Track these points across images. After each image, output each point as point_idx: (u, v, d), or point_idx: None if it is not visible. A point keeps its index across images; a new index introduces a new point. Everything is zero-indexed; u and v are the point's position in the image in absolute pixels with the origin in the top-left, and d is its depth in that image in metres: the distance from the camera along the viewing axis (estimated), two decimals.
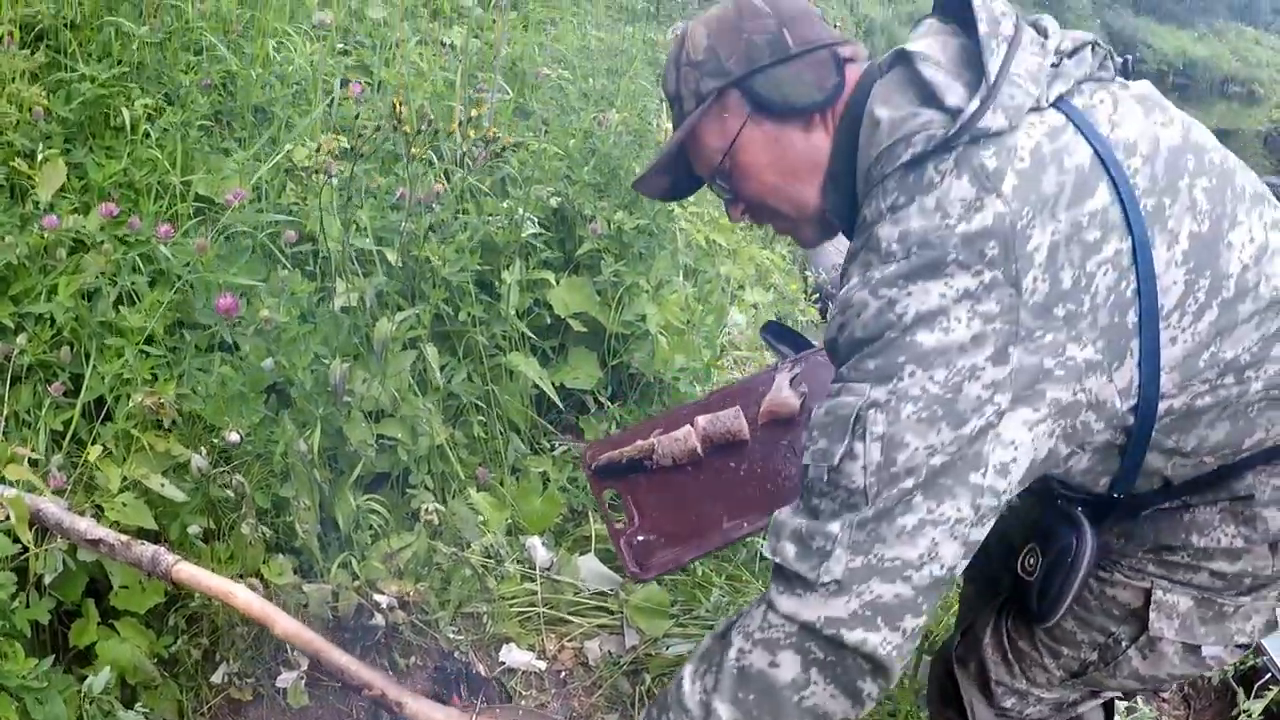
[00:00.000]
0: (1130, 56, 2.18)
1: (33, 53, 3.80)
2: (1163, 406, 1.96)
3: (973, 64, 1.96)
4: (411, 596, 3.39)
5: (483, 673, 3.41)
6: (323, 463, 3.30)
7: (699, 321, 4.78)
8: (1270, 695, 4.34)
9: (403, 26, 5.57)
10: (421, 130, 3.57)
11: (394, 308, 3.64)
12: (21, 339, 3.09)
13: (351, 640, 3.18)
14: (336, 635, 3.13)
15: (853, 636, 1.86)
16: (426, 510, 3.48)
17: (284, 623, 2.51)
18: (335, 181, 3.46)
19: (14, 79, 3.59)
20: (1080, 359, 1.85)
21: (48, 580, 2.77)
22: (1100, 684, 2.39)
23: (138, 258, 3.31)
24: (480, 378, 3.99)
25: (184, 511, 3.03)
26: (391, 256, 3.61)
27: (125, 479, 2.93)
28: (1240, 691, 4.60)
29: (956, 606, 3.25)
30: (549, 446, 4.37)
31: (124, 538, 2.65)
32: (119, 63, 3.98)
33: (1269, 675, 4.56)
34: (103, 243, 3.23)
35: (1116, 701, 3.70)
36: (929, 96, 1.95)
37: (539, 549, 3.76)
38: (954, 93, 1.92)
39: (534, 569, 3.71)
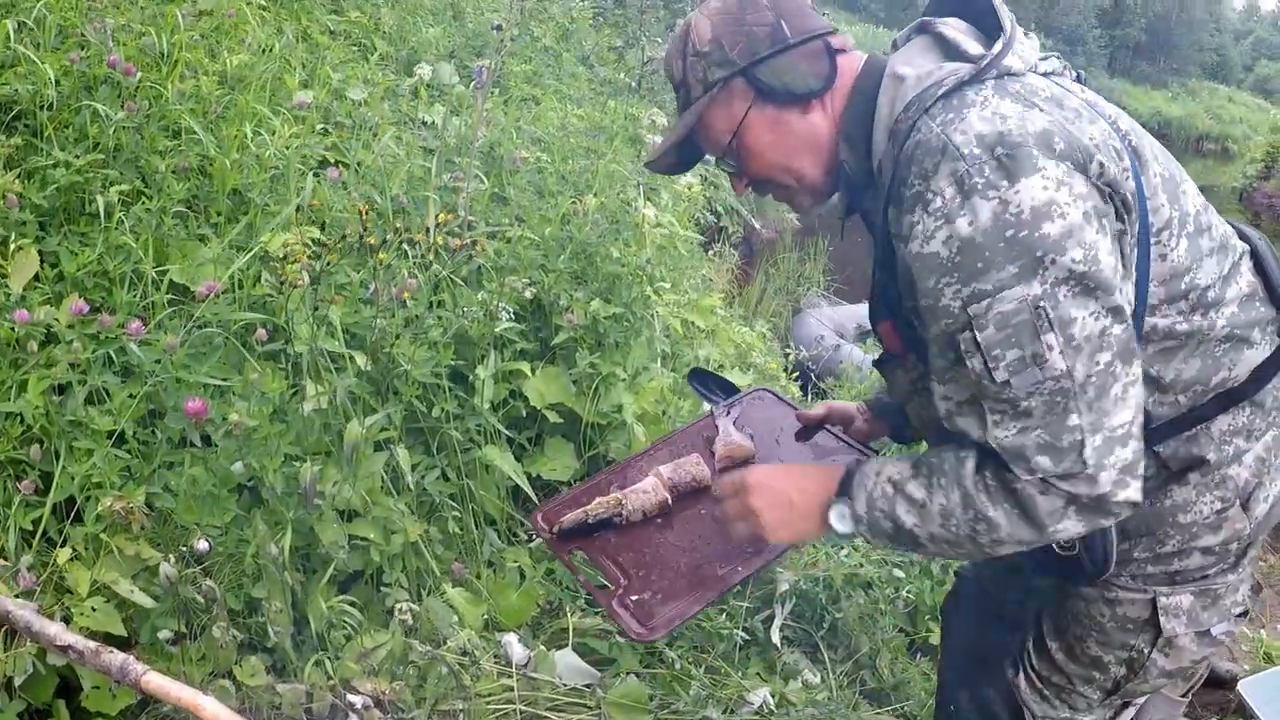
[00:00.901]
0: (1082, 73, 2.45)
1: (9, 135, 3.79)
2: (1148, 323, 2.18)
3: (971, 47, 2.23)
4: (387, 695, 3.36)
5: None
6: (295, 563, 3.27)
7: (678, 406, 4.77)
8: None
9: (382, 107, 5.58)
10: (388, 238, 3.56)
11: (366, 407, 3.62)
12: None
13: None
14: None
15: (1117, 499, 2.07)
16: (400, 609, 3.45)
17: None
18: (307, 277, 3.44)
19: None
20: (1130, 239, 2.11)
21: (18, 682, 2.75)
22: (1134, 693, 2.62)
23: (110, 353, 3.29)
24: (455, 472, 3.96)
25: (154, 615, 3.00)
26: (361, 360, 3.59)
27: (95, 583, 2.91)
28: None
29: None
30: (525, 539, 4.34)
31: (93, 645, 2.62)
32: (95, 146, 3.98)
33: None
34: (72, 341, 3.20)
35: None
36: (951, 52, 2.23)
37: (515, 646, 3.72)
38: (973, 46, 2.21)
39: (510, 666, 3.67)
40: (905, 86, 2.21)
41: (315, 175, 4.41)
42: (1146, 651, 2.48)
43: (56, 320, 3.27)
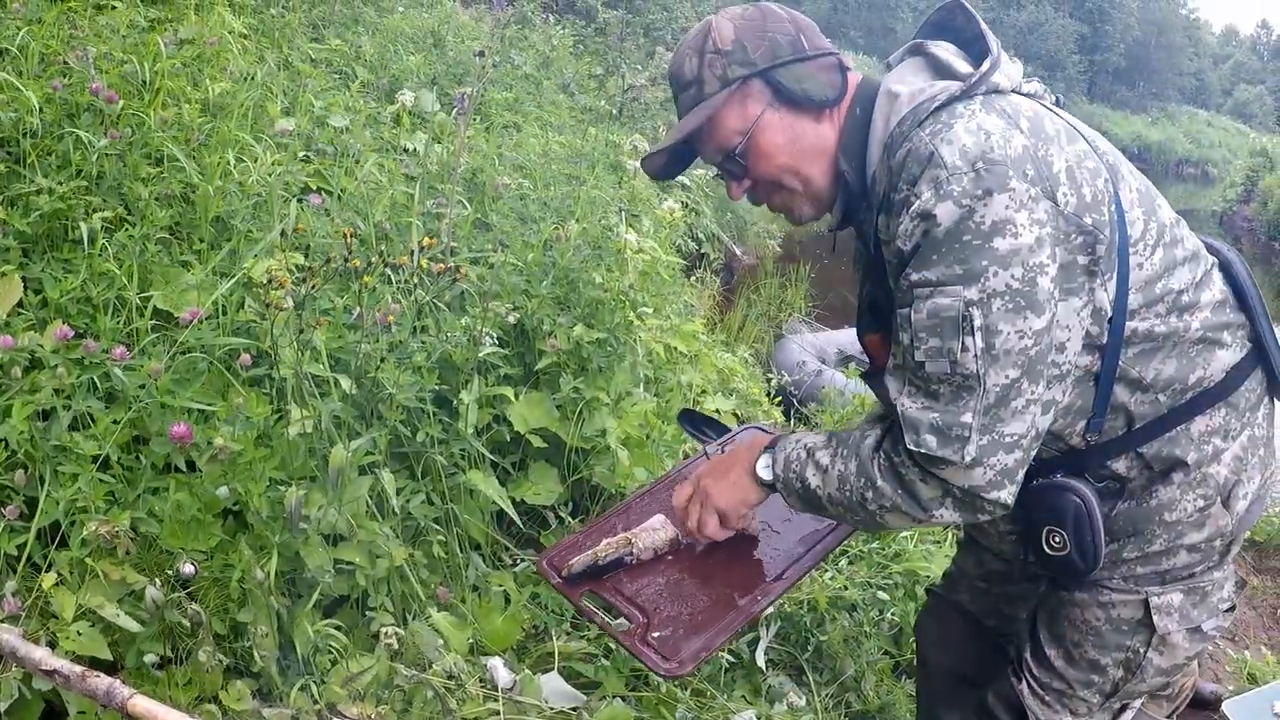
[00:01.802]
0: (1061, 97, 2.62)
1: None
2: (1129, 327, 2.34)
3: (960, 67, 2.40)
4: (373, 719, 3.35)
5: None
6: (280, 588, 3.26)
7: (662, 431, 4.78)
8: None
9: (364, 134, 5.59)
10: (372, 261, 3.56)
11: (350, 431, 3.62)
12: None
13: None
14: None
15: (989, 496, 2.30)
16: (386, 633, 3.45)
17: None
18: (291, 303, 3.44)
19: None
20: (1100, 255, 2.26)
21: (3, 708, 2.73)
22: (1132, 694, 2.73)
23: (94, 379, 3.29)
24: (440, 496, 3.96)
25: (140, 639, 2.99)
26: (346, 384, 3.59)
27: (80, 607, 2.90)
28: None
29: None
30: (510, 563, 4.34)
31: (79, 669, 2.62)
32: (78, 173, 3.97)
33: None
34: (57, 366, 3.20)
35: None
36: (943, 71, 2.40)
37: (500, 670, 3.72)
38: (963, 66, 2.39)
39: (496, 689, 3.67)
40: (899, 103, 2.37)
41: (298, 202, 4.41)
42: (1142, 651, 2.59)
43: (40, 346, 3.26)
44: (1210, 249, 2.60)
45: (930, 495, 2.35)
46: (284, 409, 3.54)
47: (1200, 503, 2.47)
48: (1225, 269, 2.57)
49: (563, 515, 4.45)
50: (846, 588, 4.63)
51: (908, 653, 4.59)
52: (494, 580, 4.10)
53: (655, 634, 2.75)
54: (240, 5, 6.35)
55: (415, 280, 3.95)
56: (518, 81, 9.51)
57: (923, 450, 2.29)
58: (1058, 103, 2.55)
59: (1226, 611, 2.63)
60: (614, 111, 11.24)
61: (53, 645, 2.82)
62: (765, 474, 2.69)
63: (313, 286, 3.37)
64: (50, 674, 2.63)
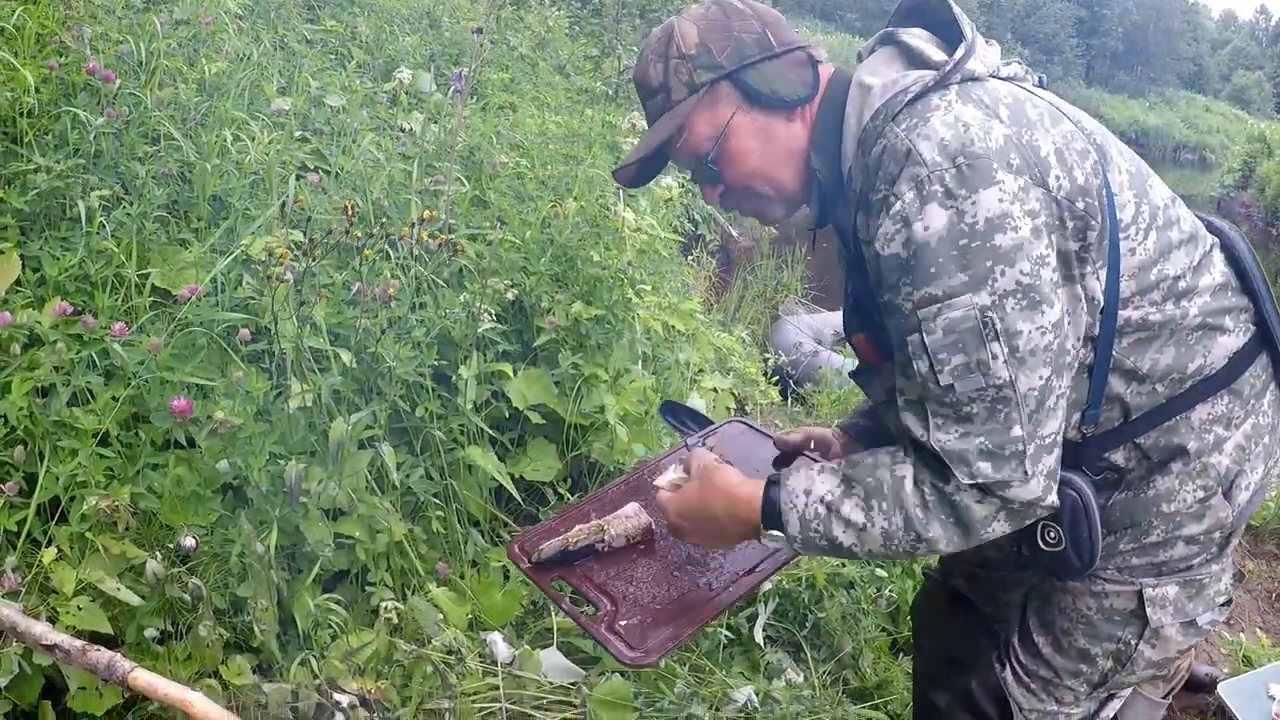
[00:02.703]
0: (1043, 77, 2.49)
1: None
2: (1122, 316, 2.23)
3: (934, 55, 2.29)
4: (372, 694, 3.35)
5: None
6: (280, 562, 3.26)
7: (656, 411, 4.78)
8: None
9: (361, 114, 5.59)
10: (373, 233, 3.57)
11: (350, 405, 3.62)
12: None
13: None
14: None
15: (1045, 503, 2.19)
16: (386, 608, 3.45)
17: None
18: (291, 277, 3.44)
19: None
20: (1089, 244, 2.15)
21: (3, 683, 2.73)
22: (1120, 685, 2.63)
23: (93, 355, 3.29)
24: (439, 472, 3.97)
25: (140, 614, 2.99)
26: (346, 358, 3.59)
27: (80, 582, 2.90)
28: None
29: None
30: (508, 539, 4.34)
31: (79, 643, 2.59)
32: (76, 152, 3.97)
33: None
34: (56, 342, 3.20)
35: None
36: (915, 60, 2.29)
37: (500, 644, 3.72)
38: (936, 54, 2.27)
39: (495, 664, 3.68)
40: (872, 95, 2.25)
41: (297, 179, 4.41)
42: (1134, 643, 2.51)
43: (39, 323, 3.27)
44: (1211, 228, 2.49)
45: (984, 514, 2.20)
46: (283, 385, 3.54)
47: (1200, 493, 2.37)
48: (1227, 249, 2.46)
49: (561, 491, 4.46)
50: (844, 565, 4.63)
51: (905, 630, 4.59)
52: (492, 556, 4.12)
53: (622, 622, 2.69)
54: None
55: (414, 255, 3.95)
56: (514, 62, 9.49)
57: (980, 480, 2.14)
58: (1040, 83, 2.45)
59: (1223, 605, 2.54)
60: (609, 92, 11.24)
61: (53, 620, 2.81)
62: (783, 545, 2.45)
63: (314, 259, 3.37)
64: (51, 649, 2.61)
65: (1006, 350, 2.06)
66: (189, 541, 2.98)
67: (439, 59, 8.43)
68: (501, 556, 4.12)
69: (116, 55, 4.48)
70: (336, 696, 3.22)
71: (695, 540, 2.62)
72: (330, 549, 3.42)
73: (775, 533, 2.40)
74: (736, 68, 2.35)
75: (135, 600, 2.94)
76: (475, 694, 3.59)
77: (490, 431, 4.20)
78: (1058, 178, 2.10)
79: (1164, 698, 4.84)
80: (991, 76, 2.28)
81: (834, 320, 10.21)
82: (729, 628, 4.19)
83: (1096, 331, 2.23)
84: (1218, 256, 2.41)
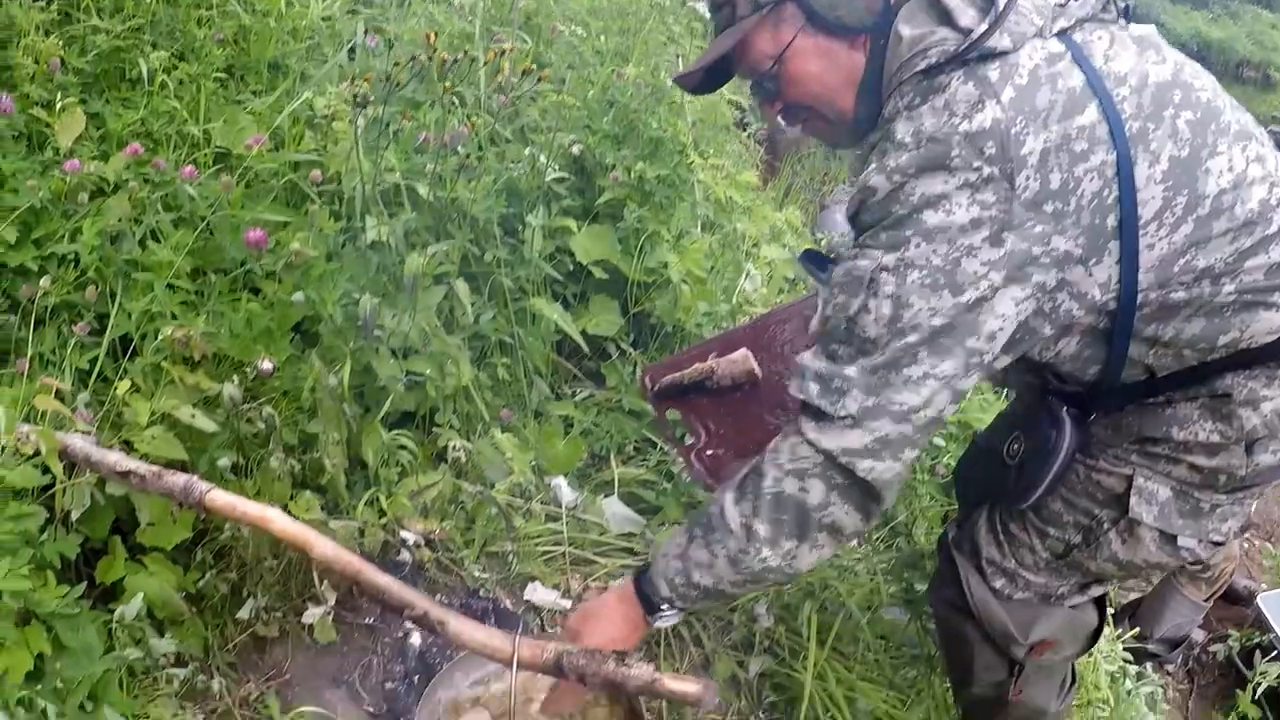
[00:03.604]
0: (1130, 4, 2.37)
1: (48, 3, 3.79)
2: (1140, 299, 2.22)
3: (963, 16, 2.22)
4: (437, 535, 3.40)
5: (510, 608, 3.41)
6: (351, 398, 3.28)
7: (721, 270, 4.79)
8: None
9: None
10: (458, 59, 3.57)
11: (422, 245, 3.63)
12: (45, 281, 3.05)
13: None
14: None
15: (863, 465, 2.21)
16: (454, 448, 3.48)
17: (322, 546, 2.47)
18: (361, 122, 3.44)
19: (30, 32, 3.57)
20: (1062, 249, 2.12)
21: (75, 515, 2.74)
22: (1082, 566, 2.64)
23: (164, 197, 3.30)
24: (505, 320, 3.99)
25: (213, 445, 3.01)
26: (423, 190, 3.61)
27: (154, 413, 2.91)
28: (1242, 665, 4.69)
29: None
30: (571, 392, 4.37)
31: (155, 468, 2.61)
32: (131, 18, 3.96)
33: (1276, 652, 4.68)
34: (129, 181, 3.21)
35: (1126, 666, 3.88)
36: (945, 17, 2.22)
37: (564, 488, 3.76)
38: (967, 15, 2.19)
39: (559, 508, 3.71)
40: (902, 47, 2.25)
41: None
42: (1105, 526, 2.54)
43: (106, 174, 3.28)
44: None
45: (818, 498, 2.26)
46: (354, 226, 3.55)
47: (1215, 437, 2.35)
48: None
49: (624, 347, 4.47)
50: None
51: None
52: (555, 407, 4.16)
53: (709, 452, 2.98)
54: None
55: (481, 105, 3.95)
56: None
57: (801, 396, 2.27)
58: (1126, 12, 2.36)
59: (1213, 544, 2.53)
60: None
61: (127, 450, 2.82)
62: (670, 620, 2.57)
63: (397, 84, 3.36)
64: (126, 476, 2.62)
65: (888, 314, 2.14)
66: (266, 365, 2.98)
67: None
68: (564, 407, 4.16)
69: None
70: (403, 534, 3.27)
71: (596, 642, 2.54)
72: (401, 385, 3.45)
73: (659, 617, 2.52)
74: None
75: (211, 427, 2.94)
76: (538, 537, 3.64)
77: (556, 277, 4.24)
78: (1026, 179, 2.06)
79: (1205, 600, 4.88)
80: (1035, 37, 2.17)
81: None
82: None
83: (1113, 308, 2.25)
84: None
